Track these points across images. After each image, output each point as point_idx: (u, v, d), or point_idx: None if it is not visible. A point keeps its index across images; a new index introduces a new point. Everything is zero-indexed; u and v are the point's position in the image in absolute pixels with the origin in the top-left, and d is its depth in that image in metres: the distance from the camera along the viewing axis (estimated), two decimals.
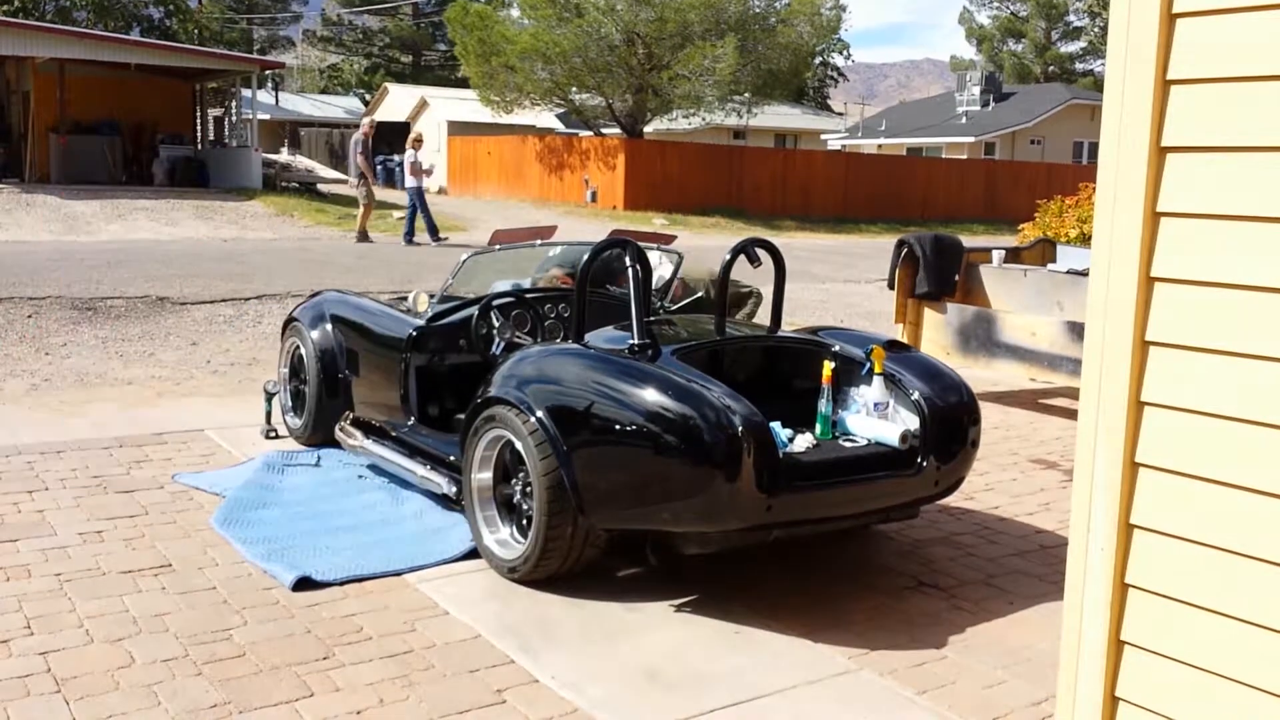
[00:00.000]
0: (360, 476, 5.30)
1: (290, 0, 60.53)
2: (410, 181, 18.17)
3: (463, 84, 35.43)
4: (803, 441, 4.12)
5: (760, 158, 31.08)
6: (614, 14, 27.22)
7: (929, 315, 7.61)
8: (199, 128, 28.75)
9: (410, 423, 5.00)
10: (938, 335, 7.54)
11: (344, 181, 28.19)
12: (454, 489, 4.55)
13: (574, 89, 29.17)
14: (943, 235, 7.95)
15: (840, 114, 52.59)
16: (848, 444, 4.18)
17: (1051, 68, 56.35)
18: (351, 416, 5.48)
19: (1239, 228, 2.18)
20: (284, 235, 19.00)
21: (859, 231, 27.19)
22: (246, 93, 26.34)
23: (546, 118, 36.11)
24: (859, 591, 4.16)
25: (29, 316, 9.67)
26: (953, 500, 4.91)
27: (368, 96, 48.78)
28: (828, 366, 4.26)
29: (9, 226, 17.92)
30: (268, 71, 33.87)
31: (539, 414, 3.92)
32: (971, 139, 38.91)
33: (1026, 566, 4.48)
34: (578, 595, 3.96)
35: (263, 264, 14.00)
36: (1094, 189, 2.46)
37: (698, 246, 13.35)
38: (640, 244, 4.58)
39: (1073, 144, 39.09)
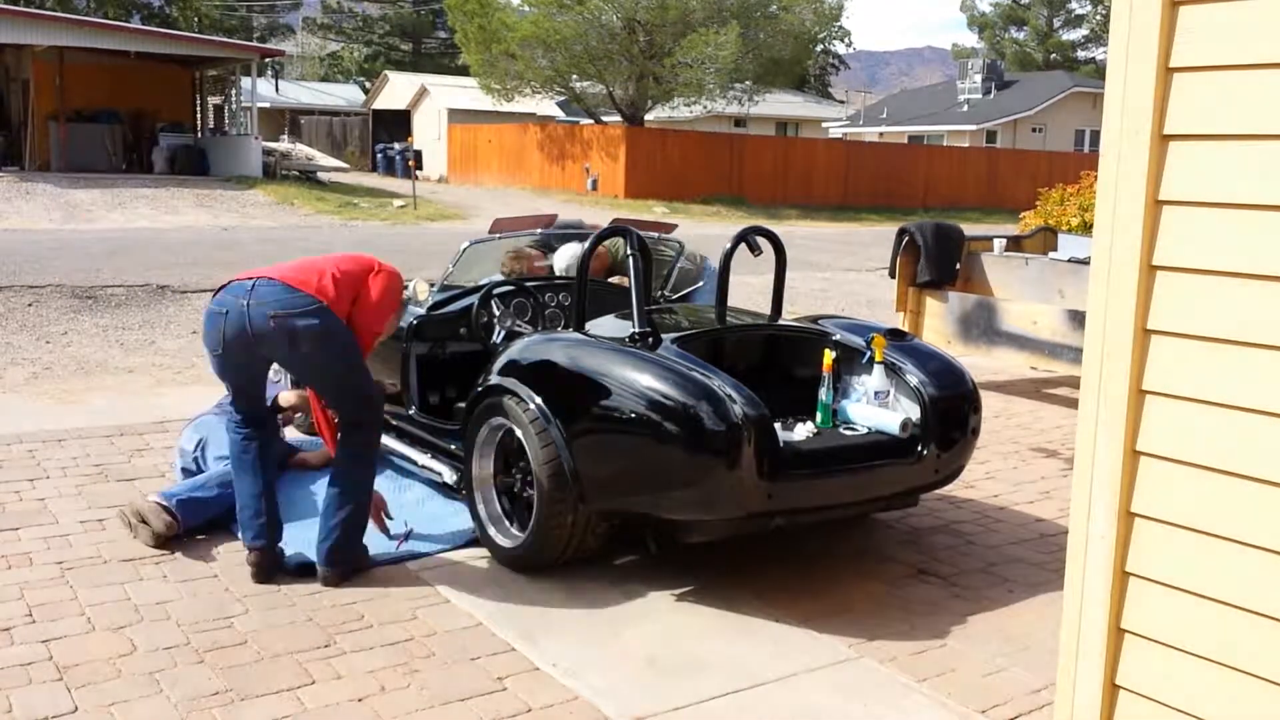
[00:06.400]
0: None
1: None
2: None
3: (463, 72, 35.35)
4: (803, 430, 4.12)
5: (761, 146, 31.02)
6: (615, 1, 27.13)
7: (930, 303, 7.61)
8: (199, 116, 28.71)
9: (411, 411, 5.00)
10: (939, 324, 7.53)
11: (344, 170, 28.21)
12: (455, 477, 4.56)
13: (575, 77, 29.12)
14: (944, 223, 7.94)
15: (842, 102, 52.53)
16: (848, 432, 4.18)
17: (1053, 55, 56.21)
18: None
19: (1241, 216, 2.17)
20: (284, 223, 18.99)
21: (860, 220, 27.16)
22: (246, 81, 26.29)
23: (547, 106, 36.05)
24: (859, 579, 4.16)
25: (29, 305, 9.67)
26: (953, 488, 4.91)
27: (368, 84, 48.67)
28: (828, 355, 4.25)
29: (9, 215, 17.91)
30: (268, 59, 33.80)
31: (539, 402, 3.93)
32: (973, 127, 38.84)
33: (1027, 555, 4.49)
34: (578, 583, 3.97)
35: (263, 252, 13.99)
36: (1095, 177, 2.46)
37: (699, 235, 13.36)
38: (640, 232, 4.58)
39: (1074, 132, 39.01)
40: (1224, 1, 2.17)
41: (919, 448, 4.09)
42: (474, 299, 5.01)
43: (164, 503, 4.21)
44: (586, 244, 4.32)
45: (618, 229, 4.47)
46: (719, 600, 3.88)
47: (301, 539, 4.19)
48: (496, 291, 5.07)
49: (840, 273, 15.36)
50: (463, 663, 3.37)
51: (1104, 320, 2.39)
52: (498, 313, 5.02)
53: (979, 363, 7.43)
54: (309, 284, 3.79)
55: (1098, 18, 54.34)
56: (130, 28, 29.96)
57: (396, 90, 41.29)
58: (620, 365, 3.84)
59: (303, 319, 3.72)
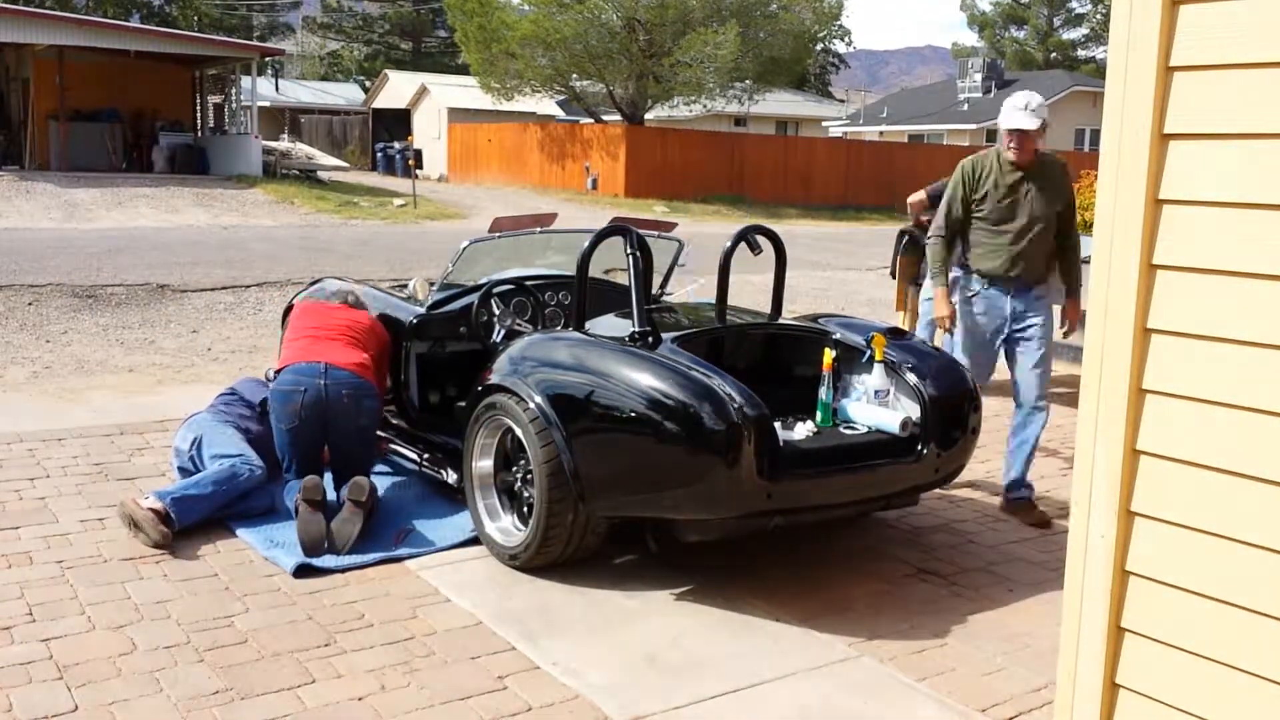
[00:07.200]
0: None
1: None
2: None
3: (463, 71, 35.35)
4: (803, 429, 4.12)
5: (761, 145, 31.01)
6: (614, 0, 27.13)
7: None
8: (199, 115, 28.70)
9: (410, 410, 5.00)
10: None
11: (344, 169, 28.20)
12: (455, 477, 4.56)
13: (575, 76, 29.11)
14: None
15: (842, 101, 52.49)
16: (848, 431, 4.18)
17: (1054, 54, 56.17)
18: None
19: (1241, 215, 2.17)
20: (284, 222, 18.98)
21: (860, 219, 27.16)
22: (246, 80, 26.28)
23: (547, 105, 36.04)
24: (859, 578, 4.16)
25: (29, 304, 9.67)
26: (953, 487, 4.91)
27: (368, 83, 48.66)
28: (828, 354, 4.25)
29: (9, 214, 17.90)
30: (268, 58, 33.79)
31: (539, 401, 3.93)
32: (973, 126, 38.82)
33: (1027, 554, 4.49)
34: (578, 582, 3.97)
35: (263, 251, 14.00)
36: (1095, 176, 2.45)
37: (699, 234, 13.35)
38: (640, 231, 4.58)
39: (1074, 131, 38.98)
40: (1224, 1, 2.16)
41: (919, 447, 4.09)
42: (474, 298, 5.01)
43: (159, 507, 4.20)
44: (587, 244, 4.31)
45: (617, 228, 4.47)
46: (719, 599, 3.88)
47: (294, 541, 4.19)
48: (496, 290, 5.08)
49: (840, 272, 15.36)
50: (463, 662, 3.37)
51: (1104, 319, 2.39)
52: (498, 312, 5.02)
53: None
54: (368, 371, 4.62)
55: (1098, 17, 54.30)
56: (130, 27, 29.95)
57: (396, 89, 41.27)
58: (620, 364, 3.84)
59: (368, 399, 4.57)
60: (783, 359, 4.65)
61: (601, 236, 4.40)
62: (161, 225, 17.74)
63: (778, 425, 3.91)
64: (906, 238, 7.70)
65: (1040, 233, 4.85)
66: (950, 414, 4.17)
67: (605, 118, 31.65)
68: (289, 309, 5.99)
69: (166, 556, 4.10)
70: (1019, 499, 4.94)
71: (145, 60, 24.74)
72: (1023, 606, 3.95)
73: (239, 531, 4.35)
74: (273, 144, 27.91)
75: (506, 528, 4.19)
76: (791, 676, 3.35)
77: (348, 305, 5.06)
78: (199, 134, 27.52)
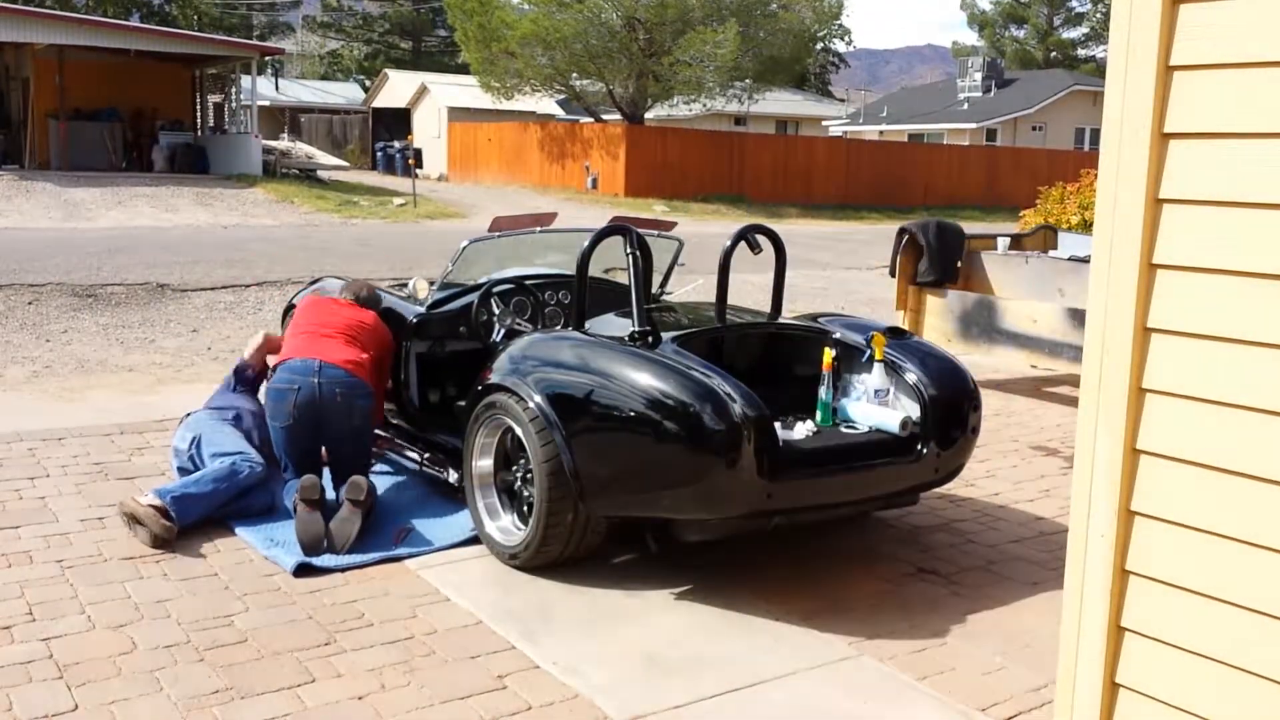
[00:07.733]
0: None
1: None
2: None
3: (463, 70, 35.35)
4: (803, 428, 4.12)
5: (762, 144, 31.01)
6: None
7: (930, 302, 7.61)
8: (199, 114, 28.71)
9: (410, 410, 4.99)
10: (939, 322, 7.53)
11: (344, 168, 28.21)
12: (455, 476, 4.56)
13: (575, 75, 29.11)
14: (944, 222, 7.94)
15: (842, 100, 52.48)
16: (848, 431, 4.18)
17: (1054, 53, 56.18)
18: None
19: (1241, 214, 2.17)
20: (284, 222, 18.97)
21: (860, 218, 27.16)
22: (246, 79, 26.28)
23: (547, 104, 36.05)
24: (859, 578, 4.16)
25: (29, 303, 9.67)
26: (953, 487, 4.91)
27: (368, 83, 48.66)
28: (828, 353, 4.25)
29: (9, 213, 17.90)
30: (268, 58, 33.78)
31: (539, 401, 3.93)
32: (973, 125, 38.83)
33: (1026, 553, 4.49)
34: (578, 581, 3.97)
35: (263, 251, 13.99)
36: (1095, 175, 2.45)
37: (698, 233, 13.35)
38: (640, 230, 4.58)
39: (1074, 130, 39.02)
40: (1224, 1, 2.16)
41: (919, 446, 4.09)
42: (474, 297, 5.01)
43: (159, 503, 4.20)
44: (587, 243, 4.31)
45: (617, 227, 4.47)
46: (719, 598, 3.88)
47: (294, 540, 4.18)
48: (496, 290, 5.07)
49: (840, 271, 15.36)
50: (463, 661, 3.37)
51: (1104, 318, 2.39)
52: (497, 311, 5.02)
53: (979, 361, 7.43)
54: (363, 369, 4.59)
55: (1098, 16, 54.32)
56: (130, 26, 29.95)
57: (396, 88, 41.27)
58: (620, 364, 3.84)
59: (361, 399, 4.55)
60: (783, 359, 4.65)
61: (601, 236, 4.40)
62: (161, 224, 17.74)
63: (778, 425, 3.91)
64: (906, 237, 7.70)
65: None
66: (950, 413, 4.17)
67: (605, 117, 31.65)
68: (289, 308, 5.99)
69: (166, 556, 4.10)
70: None
71: (145, 59, 24.74)
72: (1022, 606, 3.95)
73: (239, 530, 4.35)
74: (273, 143, 27.91)
75: (506, 527, 4.19)
76: (791, 676, 3.35)
77: (355, 301, 5.02)
78: (199, 133, 27.52)
